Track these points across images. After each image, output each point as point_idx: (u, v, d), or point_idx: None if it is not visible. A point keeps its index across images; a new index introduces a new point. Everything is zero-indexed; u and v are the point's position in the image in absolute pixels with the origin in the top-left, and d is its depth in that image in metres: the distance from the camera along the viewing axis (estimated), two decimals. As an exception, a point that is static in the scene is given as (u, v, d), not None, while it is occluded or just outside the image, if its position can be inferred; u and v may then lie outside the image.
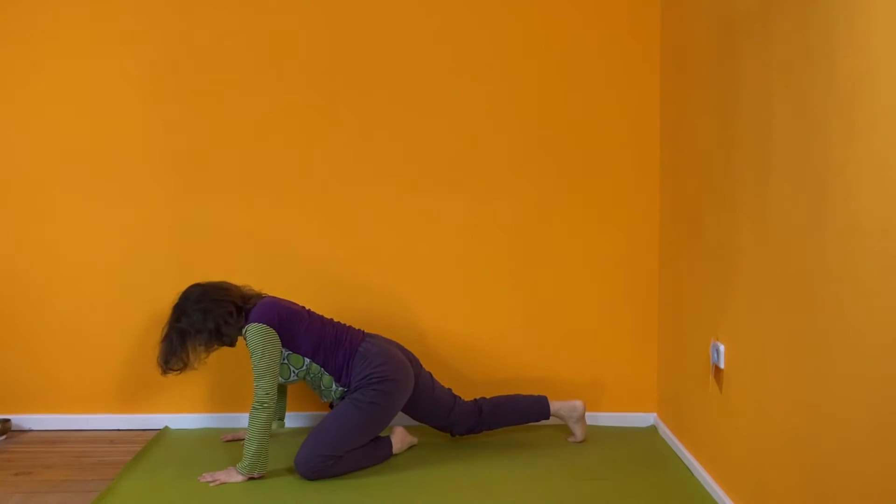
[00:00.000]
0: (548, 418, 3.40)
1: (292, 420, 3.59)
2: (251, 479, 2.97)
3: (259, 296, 3.18)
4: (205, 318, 3.04)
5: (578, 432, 3.39)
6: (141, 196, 3.59)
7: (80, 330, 3.61)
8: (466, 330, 3.64)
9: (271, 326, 3.03)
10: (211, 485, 2.93)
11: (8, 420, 3.58)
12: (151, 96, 3.56)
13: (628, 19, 3.53)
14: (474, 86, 3.56)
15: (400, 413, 3.21)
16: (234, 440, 3.42)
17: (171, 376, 3.15)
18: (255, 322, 3.03)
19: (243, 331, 3.06)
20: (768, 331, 2.32)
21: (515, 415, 3.39)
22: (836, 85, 1.90)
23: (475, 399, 3.40)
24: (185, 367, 3.09)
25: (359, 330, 3.24)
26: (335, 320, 3.24)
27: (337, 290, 3.57)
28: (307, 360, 3.09)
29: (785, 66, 2.19)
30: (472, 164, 3.58)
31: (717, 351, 2.74)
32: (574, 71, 3.55)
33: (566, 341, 3.63)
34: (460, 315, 3.64)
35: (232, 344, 3.11)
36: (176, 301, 3.13)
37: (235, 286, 3.17)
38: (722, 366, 2.71)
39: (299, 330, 3.08)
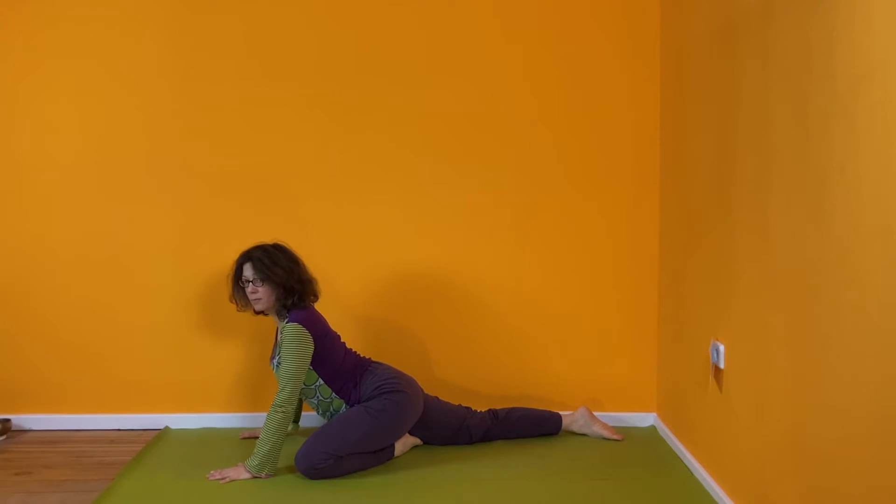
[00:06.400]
0: (557, 433, 3.45)
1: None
2: (257, 478, 2.97)
3: (312, 299, 3.19)
4: (299, 274, 3.11)
5: (605, 433, 3.41)
6: (141, 197, 3.58)
7: (79, 330, 3.61)
8: (466, 329, 3.64)
9: (312, 335, 3.04)
10: (221, 482, 2.93)
11: (8, 420, 3.58)
12: (153, 99, 3.56)
13: (628, 20, 3.53)
14: (476, 86, 3.56)
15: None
16: (250, 437, 3.42)
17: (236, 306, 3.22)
18: (301, 323, 3.04)
19: (284, 321, 3.08)
20: (768, 331, 2.32)
21: (530, 419, 3.42)
22: (836, 85, 1.90)
23: (489, 409, 3.44)
24: (256, 288, 3.09)
25: (367, 357, 3.30)
26: (348, 346, 3.28)
27: (332, 289, 3.56)
28: (320, 381, 3.10)
29: (785, 66, 2.19)
30: (472, 166, 3.58)
31: (717, 351, 2.74)
32: (574, 71, 3.55)
33: (567, 341, 3.63)
34: (460, 314, 3.64)
35: (279, 313, 3.13)
36: (261, 244, 3.15)
37: (315, 280, 3.21)
38: (722, 366, 2.71)
39: (327, 353, 3.10)
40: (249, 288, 3.11)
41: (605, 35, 3.54)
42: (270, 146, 3.57)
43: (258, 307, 3.13)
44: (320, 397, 3.13)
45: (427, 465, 3.13)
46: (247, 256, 3.13)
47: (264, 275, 3.07)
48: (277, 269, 3.07)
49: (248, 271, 3.11)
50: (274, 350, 3.22)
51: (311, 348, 3.04)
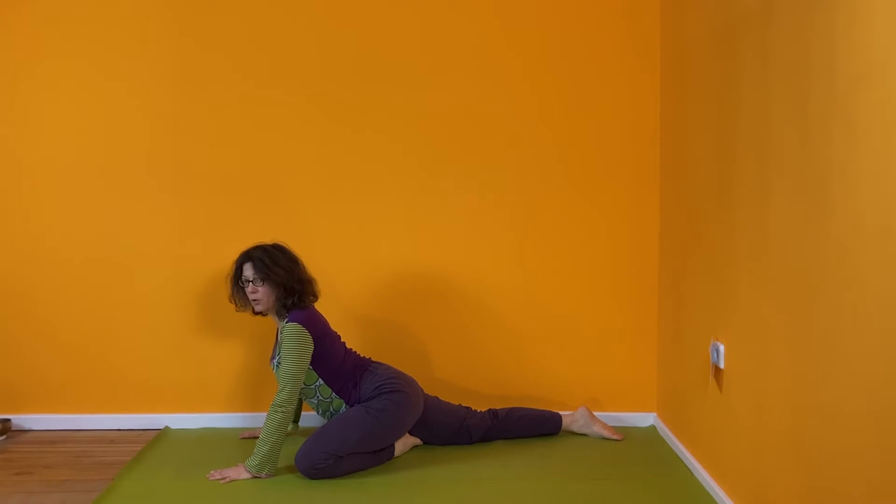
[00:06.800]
0: (557, 433, 3.45)
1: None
2: (257, 478, 2.97)
3: (312, 299, 3.19)
4: (299, 273, 3.11)
5: (605, 433, 3.41)
6: (141, 198, 3.58)
7: (79, 330, 3.61)
8: (466, 329, 3.64)
9: (312, 336, 3.04)
10: (221, 482, 2.93)
11: (8, 420, 3.58)
12: (153, 99, 3.56)
13: (628, 20, 3.53)
14: (476, 86, 3.56)
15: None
16: (250, 437, 3.42)
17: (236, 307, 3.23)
18: (301, 323, 3.04)
19: (284, 321, 3.08)
20: (768, 331, 2.32)
21: (530, 419, 3.42)
22: (836, 85, 1.90)
23: (489, 409, 3.44)
24: (256, 288, 3.09)
25: (367, 357, 3.30)
26: (348, 346, 3.28)
27: (332, 289, 3.57)
28: (320, 381, 3.10)
29: (785, 66, 2.20)
30: (472, 166, 3.58)
31: (717, 351, 2.74)
32: (574, 72, 3.55)
33: (567, 341, 3.63)
34: (460, 314, 3.64)
35: (278, 313, 3.13)
36: (261, 244, 3.14)
37: (312, 277, 3.20)
38: (722, 366, 2.71)
39: (327, 352, 3.11)
40: (249, 288, 3.11)
41: (605, 35, 3.54)
42: (271, 146, 3.57)
43: (258, 308, 3.13)
44: (320, 397, 3.13)
45: (427, 465, 3.13)
46: (247, 256, 3.13)
47: (264, 274, 3.07)
48: (277, 268, 3.07)
49: (247, 271, 3.11)
50: (274, 350, 3.22)
51: (310, 348, 3.04)
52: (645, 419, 3.65)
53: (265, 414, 3.15)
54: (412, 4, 3.54)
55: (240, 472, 2.97)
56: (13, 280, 3.60)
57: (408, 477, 3.01)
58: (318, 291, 3.21)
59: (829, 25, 1.94)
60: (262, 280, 3.08)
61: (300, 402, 3.42)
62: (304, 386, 3.12)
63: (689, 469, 3.06)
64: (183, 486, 2.92)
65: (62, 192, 3.58)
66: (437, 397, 3.38)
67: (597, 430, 3.42)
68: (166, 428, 3.63)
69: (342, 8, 3.54)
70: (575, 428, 3.45)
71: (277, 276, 3.07)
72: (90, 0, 3.52)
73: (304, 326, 3.03)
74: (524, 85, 3.56)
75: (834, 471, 1.93)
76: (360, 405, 3.08)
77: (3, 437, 3.53)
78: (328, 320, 3.23)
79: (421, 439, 3.30)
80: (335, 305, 3.49)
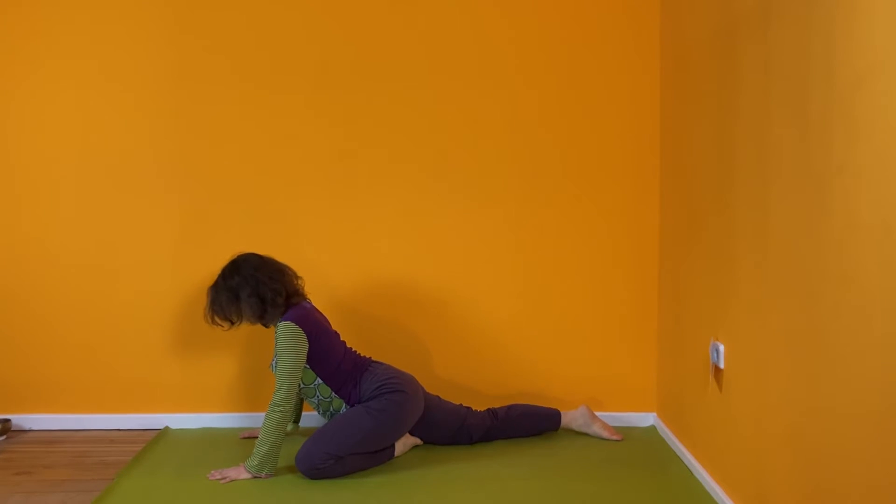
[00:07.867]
0: (557, 429, 3.46)
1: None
2: (257, 478, 2.97)
3: (303, 295, 3.19)
4: (256, 289, 3.05)
5: (604, 433, 3.41)
6: (140, 198, 3.58)
7: (79, 330, 3.61)
8: (466, 329, 3.64)
9: (306, 333, 3.04)
10: (221, 482, 2.93)
11: (8, 420, 3.58)
12: (155, 101, 3.55)
13: (628, 20, 3.53)
14: (475, 88, 3.55)
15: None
16: (249, 437, 3.42)
17: (219, 328, 3.19)
18: (293, 322, 3.03)
19: (277, 323, 3.08)
20: (768, 331, 2.32)
21: (530, 417, 3.42)
22: (836, 85, 1.90)
23: (488, 408, 3.44)
24: (230, 325, 3.13)
25: (367, 357, 3.29)
26: (348, 346, 3.27)
27: (332, 289, 3.57)
28: (318, 381, 3.10)
29: (785, 66, 2.20)
30: (472, 167, 3.58)
31: (717, 351, 2.74)
32: (574, 72, 3.55)
33: (566, 341, 3.63)
34: (460, 314, 3.64)
35: (267, 325, 3.15)
36: (231, 260, 3.13)
37: (290, 272, 3.17)
38: (722, 366, 2.71)
39: (325, 350, 3.10)
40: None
41: (605, 35, 3.54)
42: (271, 149, 3.57)
43: (252, 323, 3.16)
44: (320, 397, 3.13)
45: (427, 465, 3.13)
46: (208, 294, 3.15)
47: (225, 313, 3.10)
48: (231, 302, 3.07)
49: None
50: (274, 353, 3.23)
51: (304, 346, 3.03)
52: (645, 419, 3.65)
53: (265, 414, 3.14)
54: (412, 6, 3.54)
55: (240, 472, 2.97)
56: (13, 280, 3.60)
57: (408, 477, 3.01)
58: (300, 288, 3.17)
59: (829, 25, 1.94)
60: (227, 316, 3.11)
61: (300, 401, 3.42)
62: (303, 385, 3.12)
63: (688, 469, 3.06)
64: (183, 486, 2.92)
65: (62, 193, 3.58)
66: (437, 396, 3.38)
67: (596, 429, 3.42)
68: (166, 428, 3.63)
69: (343, 8, 3.54)
70: (575, 426, 3.45)
71: (236, 308, 3.08)
72: (91, 1, 3.52)
73: (296, 324, 3.03)
74: (524, 85, 3.56)
75: (834, 471, 1.93)
76: (361, 405, 3.08)
77: (3, 437, 3.53)
78: (328, 320, 3.23)
79: (421, 439, 3.30)
80: (334, 306, 3.50)
